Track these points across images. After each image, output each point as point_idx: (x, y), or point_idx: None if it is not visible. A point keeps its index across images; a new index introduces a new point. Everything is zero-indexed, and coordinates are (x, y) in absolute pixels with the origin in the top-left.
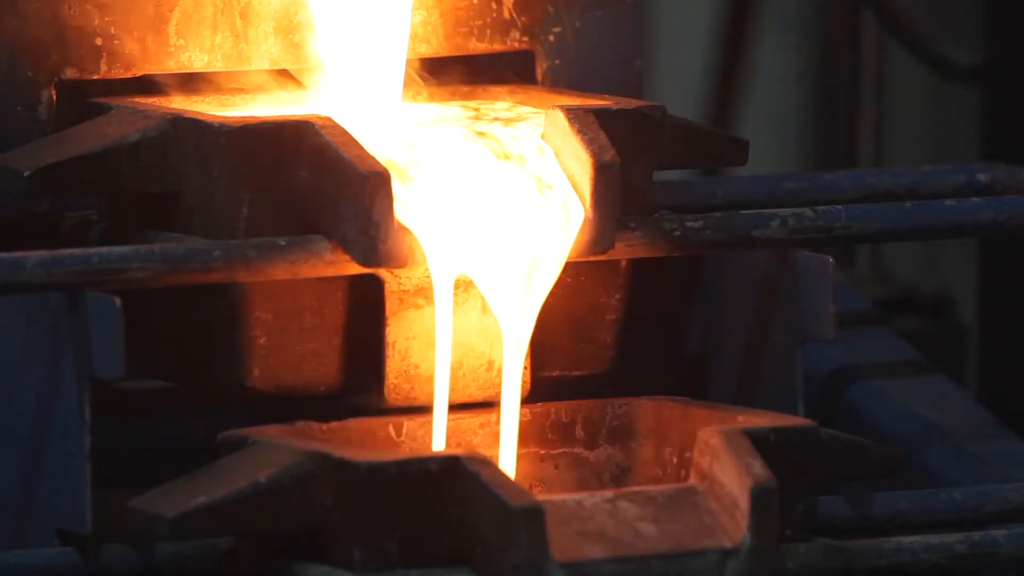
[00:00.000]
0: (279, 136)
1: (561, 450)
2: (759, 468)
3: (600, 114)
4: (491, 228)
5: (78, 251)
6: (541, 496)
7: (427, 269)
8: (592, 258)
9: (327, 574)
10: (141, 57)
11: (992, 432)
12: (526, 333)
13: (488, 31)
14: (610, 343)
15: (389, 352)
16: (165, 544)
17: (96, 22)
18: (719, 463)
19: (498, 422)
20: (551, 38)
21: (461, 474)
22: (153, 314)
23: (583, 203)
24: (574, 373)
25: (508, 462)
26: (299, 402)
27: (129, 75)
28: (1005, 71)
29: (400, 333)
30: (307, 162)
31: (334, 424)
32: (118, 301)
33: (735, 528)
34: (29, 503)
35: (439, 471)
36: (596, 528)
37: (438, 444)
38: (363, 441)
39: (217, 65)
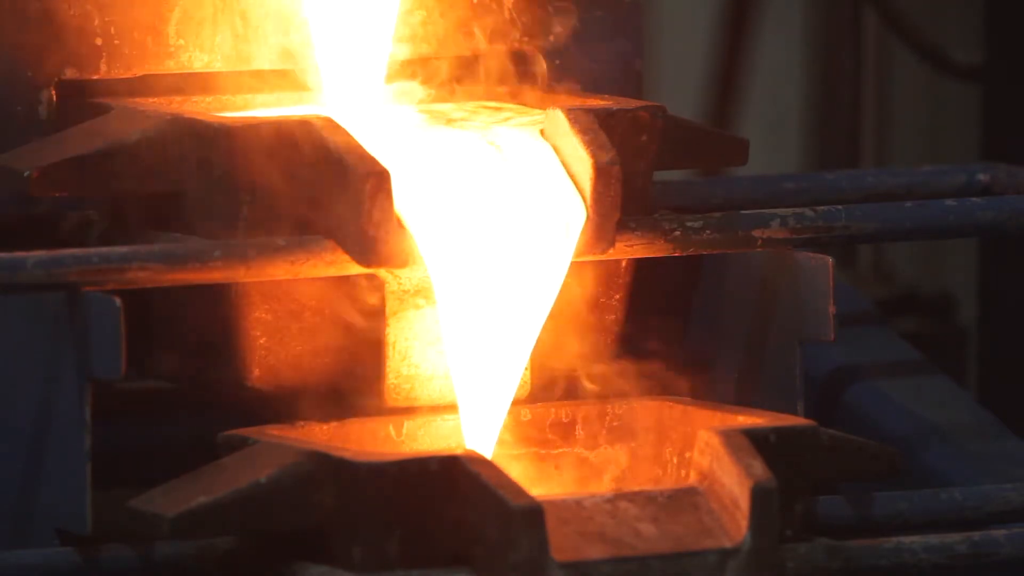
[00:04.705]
0: (279, 136)
1: (561, 450)
2: (759, 468)
3: (600, 114)
4: (490, 228)
5: (78, 251)
6: (541, 496)
7: (427, 269)
8: (592, 258)
9: (327, 574)
10: (141, 57)
11: (992, 432)
12: (529, 334)
13: (488, 31)
14: (610, 343)
15: (389, 352)
16: (165, 544)
17: (96, 22)
18: (719, 463)
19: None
20: (551, 38)
21: (461, 474)
22: (153, 314)
23: (583, 203)
24: (574, 373)
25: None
26: (299, 402)
27: (129, 75)
28: (1005, 71)
29: (400, 333)
30: (307, 162)
31: (334, 424)
32: (118, 301)
33: (735, 528)
34: (29, 503)
35: (439, 471)
36: (596, 528)
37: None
38: (363, 441)
39: (217, 65)
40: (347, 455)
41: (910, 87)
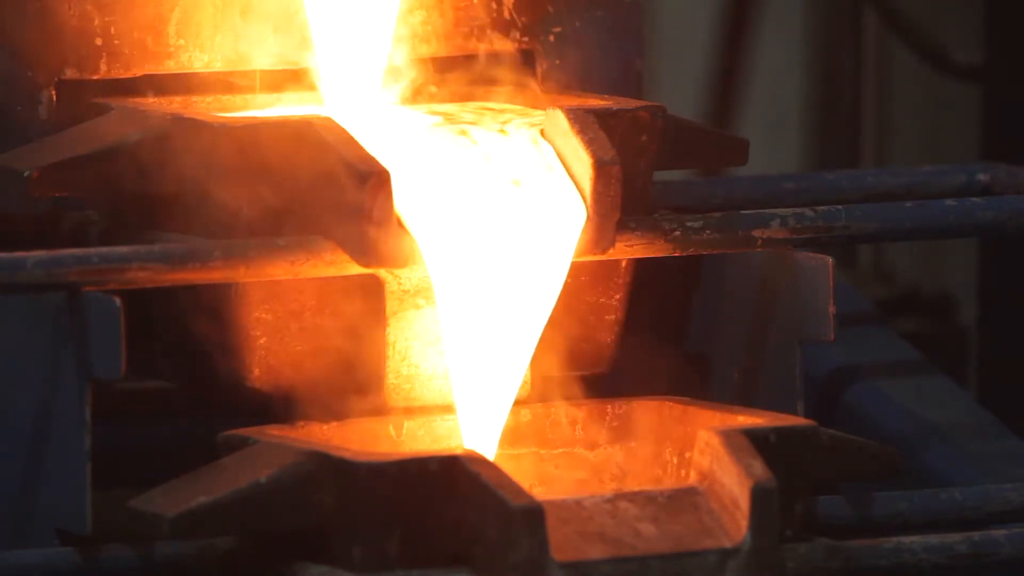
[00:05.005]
0: (279, 136)
1: (561, 450)
2: (759, 468)
3: (600, 114)
4: (490, 228)
5: (78, 251)
6: (541, 496)
7: (427, 269)
8: (592, 258)
9: (327, 574)
10: (141, 57)
11: (992, 432)
12: (529, 335)
13: (488, 31)
14: (610, 343)
15: (389, 352)
16: (165, 544)
17: (96, 22)
18: (719, 463)
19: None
20: (551, 38)
21: (461, 474)
22: (153, 314)
23: (583, 203)
24: (574, 373)
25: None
26: (299, 402)
27: (129, 75)
28: (1005, 71)
29: (400, 333)
30: (308, 162)
31: (334, 424)
32: (118, 301)
33: (735, 528)
34: (29, 503)
35: (439, 471)
36: (596, 528)
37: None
38: (363, 441)
39: (217, 65)
40: (347, 455)
41: (910, 87)
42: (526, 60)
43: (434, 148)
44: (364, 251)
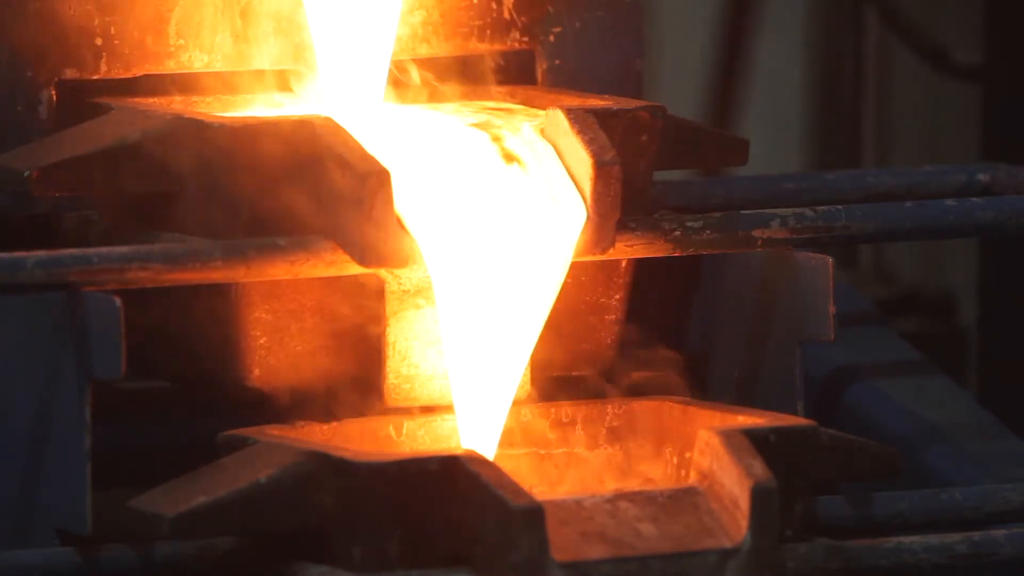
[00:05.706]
0: (279, 136)
1: (561, 450)
2: (759, 468)
3: (600, 114)
4: (490, 228)
5: (78, 251)
6: (541, 496)
7: (427, 269)
8: (592, 258)
9: (327, 574)
10: (141, 57)
11: (992, 432)
12: (529, 335)
13: (488, 31)
14: (610, 343)
15: (389, 352)
16: (165, 544)
17: (96, 22)
18: (719, 463)
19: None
20: (551, 38)
21: (461, 474)
22: (153, 314)
23: (583, 203)
24: (574, 373)
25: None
26: (299, 402)
27: (129, 75)
28: (1005, 71)
29: (400, 333)
30: (307, 162)
31: (334, 424)
32: (118, 301)
33: (735, 528)
34: (29, 503)
35: (439, 471)
36: (596, 528)
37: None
38: (363, 441)
39: (217, 65)
40: (347, 455)
41: (910, 87)
42: (526, 60)
43: (434, 148)
44: (364, 251)
